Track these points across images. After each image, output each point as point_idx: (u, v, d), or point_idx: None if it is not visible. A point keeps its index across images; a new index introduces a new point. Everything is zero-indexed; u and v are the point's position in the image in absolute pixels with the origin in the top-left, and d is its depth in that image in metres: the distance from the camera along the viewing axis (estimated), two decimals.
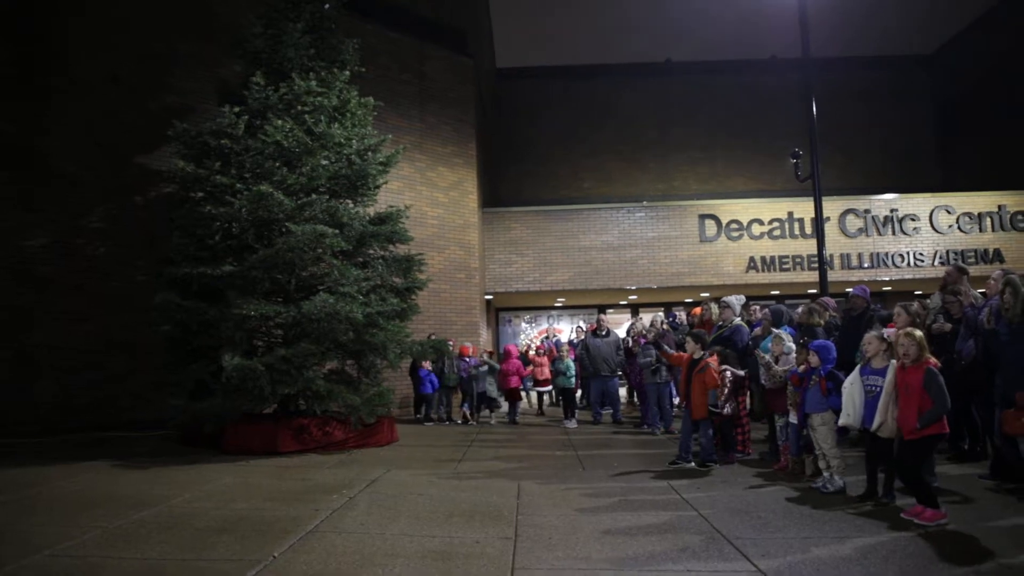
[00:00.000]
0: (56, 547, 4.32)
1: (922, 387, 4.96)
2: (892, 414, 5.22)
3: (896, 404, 5.19)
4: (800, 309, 8.63)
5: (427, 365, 11.71)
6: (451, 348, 11.57)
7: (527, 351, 14.43)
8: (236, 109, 8.83)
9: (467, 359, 11.88)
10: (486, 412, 11.87)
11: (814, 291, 13.58)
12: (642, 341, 10.44)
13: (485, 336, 16.01)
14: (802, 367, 6.42)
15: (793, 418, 6.64)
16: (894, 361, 5.37)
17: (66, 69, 10.01)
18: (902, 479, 5.30)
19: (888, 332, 5.98)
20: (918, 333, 5.15)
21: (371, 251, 9.66)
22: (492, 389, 11.70)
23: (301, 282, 8.85)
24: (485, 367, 11.70)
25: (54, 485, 6.20)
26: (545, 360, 12.93)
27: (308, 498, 5.82)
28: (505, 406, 12.38)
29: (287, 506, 5.53)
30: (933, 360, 5.10)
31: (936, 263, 16.10)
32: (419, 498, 5.88)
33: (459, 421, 11.76)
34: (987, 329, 6.22)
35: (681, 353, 8.08)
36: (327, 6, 9.90)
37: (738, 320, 8.72)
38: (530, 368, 13.14)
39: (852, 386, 5.61)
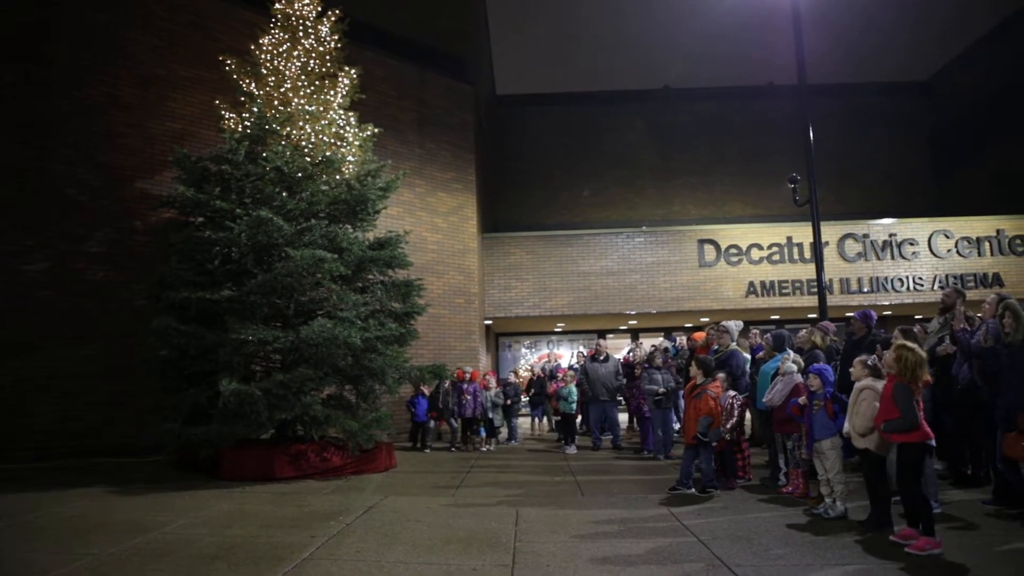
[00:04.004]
0: (50, 574, 4.27)
1: (890, 397, 5.09)
2: (855, 427, 5.57)
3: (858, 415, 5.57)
4: (801, 333, 8.64)
5: (427, 390, 11.61)
6: (448, 373, 11.42)
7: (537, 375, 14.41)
8: (236, 135, 8.88)
9: (464, 384, 11.69)
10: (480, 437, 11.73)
11: (814, 316, 13.57)
12: (644, 365, 10.38)
13: (485, 361, 15.96)
14: (802, 398, 6.40)
15: None
16: (867, 380, 5.58)
17: (68, 91, 10.12)
18: (898, 492, 5.29)
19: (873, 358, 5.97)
20: (918, 355, 5.13)
21: (370, 276, 9.66)
22: (496, 416, 11.57)
23: (300, 307, 8.85)
24: (492, 391, 11.57)
25: (50, 511, 6.15)
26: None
27: (304, 525, 5.76)
28: (504, 432, 12.30)
29: (283, 533, 5.47)
30: (921, 384, 5.11)
31: (936, 287, 16.09)
32: (416, 525, 5.82)
33: (453, 448, 11.61)
34: (984, 349, 6.22)
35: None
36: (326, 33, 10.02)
37: (734, 345, 8.70)
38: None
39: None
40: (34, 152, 9.84)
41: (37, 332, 9.55)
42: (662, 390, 9.62)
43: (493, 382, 11.88)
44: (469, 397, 11.43)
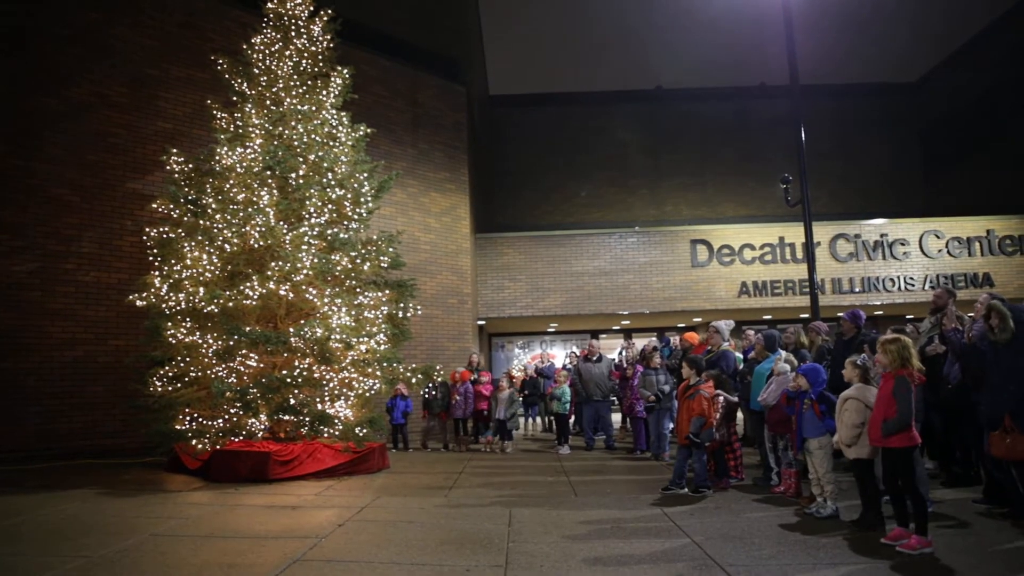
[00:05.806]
0: None
1: (891, 394, 5.00)
2: (841, 438, 5.57)
3: (843, 426, 5.56)
4: (787, 332, 8.66)
5: (405, 391, 11.37)
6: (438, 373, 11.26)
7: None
8: (228, 134, 8.84)
9: (456, 385, 11.63)
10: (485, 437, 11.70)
11: (806, 316, 13.61)
12: (638, 368, 10.37)
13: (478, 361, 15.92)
14: (791, 384, 6.42)
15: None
16: (853, 389, 5.55)
17: (57, 90, 10.04)
18: (887, 492, 5.30)
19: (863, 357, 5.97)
20: (902, 341, 5.13)
21: (363, 276, 9.64)
22: (512, 421, 11.46)
23: (292, 306, 8.82)
24: (507, 392, 11.44)
25: (38, 513, 6.10)
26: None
27: (296, 526, 5.74)
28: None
29: (275, 534, 5.44)
30: (916, 373, 5.08)
31: (926, 287, 16.18)
32: (409, 525, 5.81)
33: (436, 448, 11.57)
34: (967, 347, 6.23)
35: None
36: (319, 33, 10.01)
37: (726, 345, 8.72)
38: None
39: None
40: (21, 151, 9.74)
41: (25, 333, 9.47)
42: (653, 397, 9.62)
43: (505, 383, 11.70)
44: (460, 398, 11.41)
